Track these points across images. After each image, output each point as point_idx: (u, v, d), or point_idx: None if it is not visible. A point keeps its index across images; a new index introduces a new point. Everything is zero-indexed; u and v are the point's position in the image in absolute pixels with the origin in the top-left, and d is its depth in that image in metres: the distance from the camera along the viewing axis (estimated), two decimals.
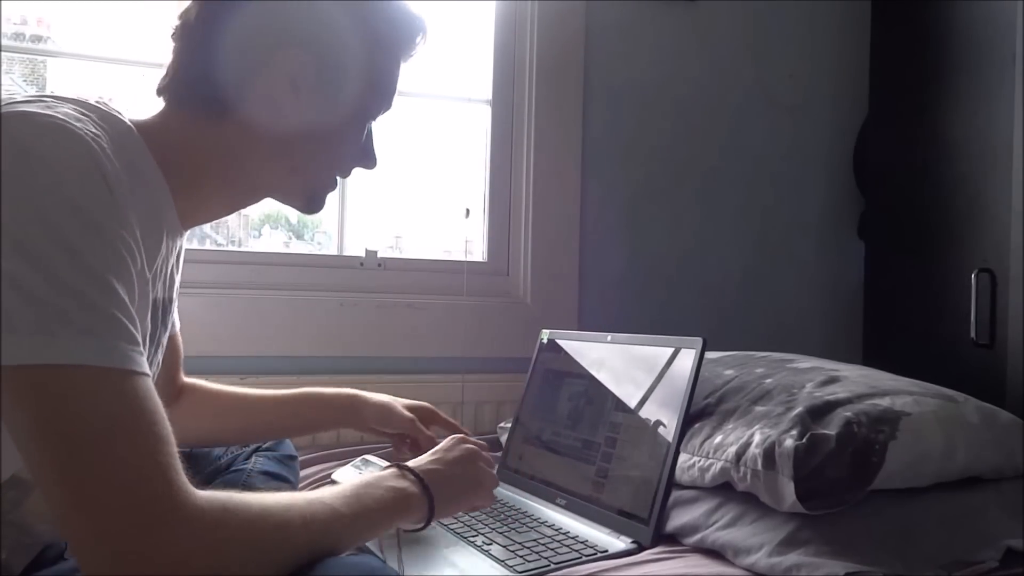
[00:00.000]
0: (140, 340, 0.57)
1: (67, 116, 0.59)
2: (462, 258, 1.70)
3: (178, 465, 0.54)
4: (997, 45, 1.47)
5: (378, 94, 0.83)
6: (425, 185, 1.72)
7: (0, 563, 0.69)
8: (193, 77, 0.74)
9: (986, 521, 0.91)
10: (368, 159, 0.86)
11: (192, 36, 0.74)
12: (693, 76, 1.79)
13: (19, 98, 0.62)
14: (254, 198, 0.83)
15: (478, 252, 1.71)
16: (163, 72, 0.76)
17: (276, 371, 1.47)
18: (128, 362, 0.55)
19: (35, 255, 0.53)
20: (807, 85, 1.88)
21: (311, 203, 0.84)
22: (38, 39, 1.48)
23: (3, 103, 0.60)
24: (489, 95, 1.68)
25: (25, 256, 0.52)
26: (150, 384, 0.56)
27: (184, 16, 0.75)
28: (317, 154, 0.80)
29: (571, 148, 1.68)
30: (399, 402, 1.13)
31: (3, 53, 1.41)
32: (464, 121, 1.73)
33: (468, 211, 1.69)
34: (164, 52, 0.77)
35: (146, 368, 0.57)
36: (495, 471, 0.92)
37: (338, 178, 0.85)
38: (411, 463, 0.81)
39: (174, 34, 0.76)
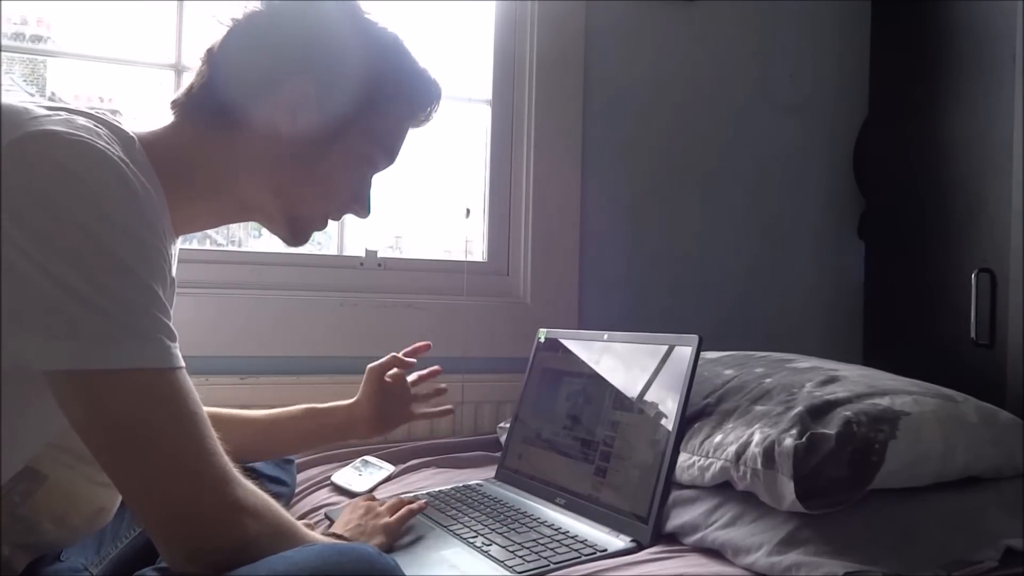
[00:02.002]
0: (176, 336, 0.64)
1: (89, 132, 0.63)
2: (462, 258, 1.70)
3: (221, 449, 0.63)
4: (997, 45, 1.47)
5: (379, 146, 0.85)
6: (425, 185, 1.71)
7: (1, 560, 0.70)
8: (207, 93, 0.77)
9: (986, 521, 0.91)
10: (361, 207, 0.88)
11: (215, 57, 0.78)
12: (693, 76, 1.79)
13: (36, 111, 0.63)
14: (241, 215, 0.85)
15: (478, 252, 1.71)
16: (183, 89, 0.80)
17: (276, 371, 1.47)
18: (176, 360, 0.62)
19: (91, 269, 0.58)
20: (807, 85, 1.88)
21: (294, 233, 0.84)
22: (38, 39, 1.48)
23: (19, 115, 0.62)
24: (489, 95, 1.68)
25: (82, 270, 0.58)
26: (187, 376, 0.64)
27: (213, 41, 0.79)
28: (303, 184, 0.81)
29: (571, 148, 1.68)
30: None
31: (3, 53, 1.41)
32: (464, 121, 1.73)
33: (468, 211, 1.69)
34: (191, 68, 0.81)
35: (183, 362, 0.64)
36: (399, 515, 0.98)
37: (330, 220, 0.87)
38: (332, 530, 0.92)
39: (202, 57, 0.79)
